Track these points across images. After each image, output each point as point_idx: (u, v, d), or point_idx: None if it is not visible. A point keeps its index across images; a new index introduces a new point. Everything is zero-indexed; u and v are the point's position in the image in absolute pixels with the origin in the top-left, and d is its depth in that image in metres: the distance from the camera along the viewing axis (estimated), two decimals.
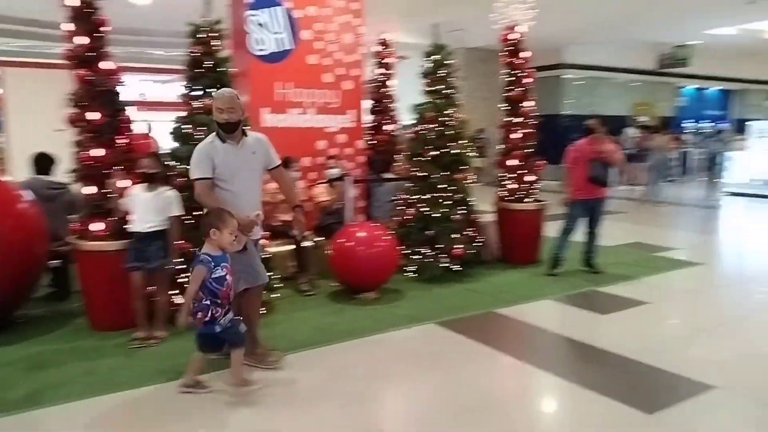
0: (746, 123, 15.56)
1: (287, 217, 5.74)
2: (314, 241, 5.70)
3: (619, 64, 16.32)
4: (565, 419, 3.34)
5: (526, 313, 4.96)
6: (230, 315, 3.37)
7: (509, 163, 6.61)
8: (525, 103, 6.60)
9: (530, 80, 6.62)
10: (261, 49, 6.13)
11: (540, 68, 8.02)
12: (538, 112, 6.75)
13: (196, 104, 4.62)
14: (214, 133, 3.64)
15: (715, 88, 19.99)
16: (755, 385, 3.57)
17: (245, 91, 5.92)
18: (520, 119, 6.61)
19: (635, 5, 10.85)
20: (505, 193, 6.65)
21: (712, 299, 5.54)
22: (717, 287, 6.00)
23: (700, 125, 18.37)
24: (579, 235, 6.13)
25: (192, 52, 4.64)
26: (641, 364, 3.84)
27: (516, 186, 6.58)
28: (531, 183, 6.59)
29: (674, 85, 17.85)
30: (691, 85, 18.90)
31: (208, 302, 3.26)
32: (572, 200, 5.98)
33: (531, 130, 6.63)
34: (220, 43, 4.70)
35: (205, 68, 4.62)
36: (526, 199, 6.56)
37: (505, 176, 6.67)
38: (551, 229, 6.35)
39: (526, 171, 6.57)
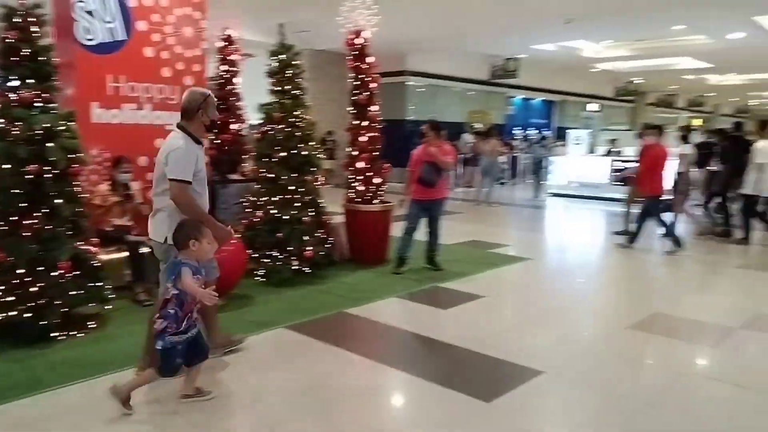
0: (566, 131, 17.38)
1: (121, 221, 5.34)
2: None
3: (457, 74, 17.39)
4: (409, 412, 3.47)
5: (375, 311, 5.09)
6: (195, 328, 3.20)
7: (357, 165, 6.74)
8: (371, 107, 6.77)
9: (376, 85, 6.80)
10: (89, 39, 5.61)
11: (386, 74, 8.27)
12: (383, 117, 6.96)
13: (12, 96, 4.12)
14: (183, 134, 3.48)
15: (539, 98, 22.10)
16: (579, 368, 3.98)
17: (71, 83, 5.39)
18: (367, 123, 6.76)
19: (466, 20, 11.66)
20: (354, 195, 6.77)
21: (539, 291, 6.10)
22: (543, 280, 6.62)
23: (527, 132, 20.18)
24: (422, 234, 6.43)
25: (6, 39, 4.13)
26: (479, 355, 4.11)
27: (364, 188, 6.72)
28: (378, 185, 6.77)
29: (505, 94, 19.44)
30: (519, 95, 20.71)
31: (173, 311, 3.06)
32: (410, 200, 6.28)
33: (377, 134, 6.81)
34: (39, 30, 4.23)
35: (22, 57, 4.14)
36: (373, 201, 6.73)
37: (353, 178, 6.79)
38: (397, 230, 6.59)
39: (373, 173, 6.74)
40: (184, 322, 3.10)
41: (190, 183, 3.39)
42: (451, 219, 9.99)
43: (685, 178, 8.77)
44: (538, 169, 14.26)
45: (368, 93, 6.75)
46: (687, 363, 4.18)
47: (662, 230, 7.78)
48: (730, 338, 4.59)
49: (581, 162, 14.11)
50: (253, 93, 7.20)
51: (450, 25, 12.14)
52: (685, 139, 9.24)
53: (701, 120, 28.99)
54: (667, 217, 7.94)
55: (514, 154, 17.39)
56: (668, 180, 8.12)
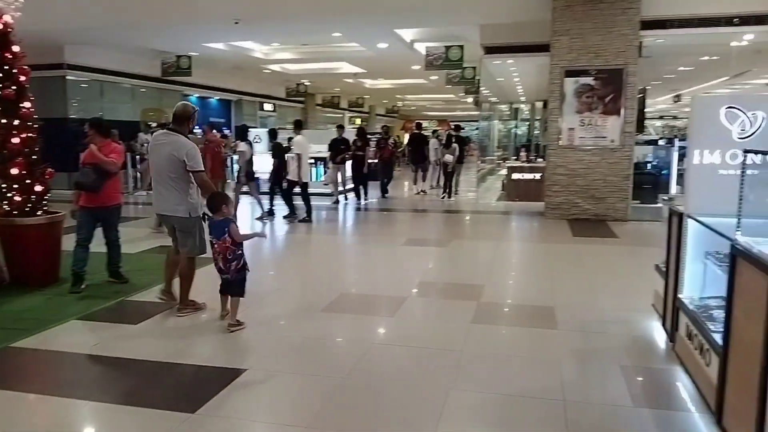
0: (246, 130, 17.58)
1: None
2: None
3: (127, 69, 16.17)
4: None
5: (50, 340, 4.42)
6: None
7: (12, 172, 5.73)
8: (23, 104, 5.82)
9: (25, 78, 5.87)
10: None
11: (39, 67, 7.19)
12: (40, 115, 6.06)
13: None
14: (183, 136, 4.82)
15: (216, 97, 21.97)
16: (281, 358, 4.12)
17: None
18: (19, 122, 5.79)
19: (129, 11, 10.94)
20: (10, 207, 5.75)
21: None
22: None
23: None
24: (100, 245, 5.83)
25: None
26: (178, 365, 3.93)
27: (21, 198, 5.76)
28: (40, 194, 5.88)
29: (180, 92, 18.78)
30: (195, 94, 20.25)
31: (241, 252, 4.69)
32: (79, 209, 5.62)
33: (33, 135, 5.90)
34: None
35: None
36: (36, 213, 5.82)
37: (6, 187, 5.75)
38: (70, 243, 5.82)
39: (32, 181, 5.82)
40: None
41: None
42: (133, 225, 9.28)
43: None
44: None
45: (17, 87, 5.78)
46: (371, 334, 4.70)
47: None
48: (403, 306, 5.33)
49: (260, 160, 14.44)
50: None
51: (111, 15, 11.19)
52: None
53: (361, 119, 32.78)
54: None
55: None
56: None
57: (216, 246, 4.62)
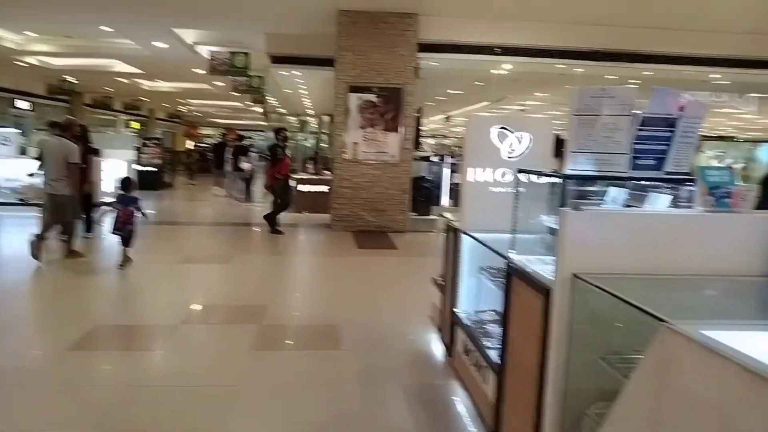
0: None
1: None
2: None
3: None
4: None
5: None
6: None
7: None
8: None
9: None
10: None
11: None
12: None
13: None
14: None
15: None
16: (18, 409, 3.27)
17: None
18: None
19: None
20: None
21: None
22: None
23: None
24: None
25: None
26: None
27: None
28: None
29: None
30: None
31: None
32: None
33: None
34: None
35: None
36: None
37: None
38: None
39: None
40: None
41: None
42: None
43: None
44: None
45: None
46: (129, 374, 4.01)
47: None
48: (174, 336, 4.69)
49: (7, 165, 12.24)
50: None
51: None
52: None
53: (138, 123, 30.14)
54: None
55: None
56: None
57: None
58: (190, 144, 33.37)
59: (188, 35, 12.85)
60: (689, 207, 2.42)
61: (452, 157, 14.52)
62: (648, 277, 2.16)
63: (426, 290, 5.34)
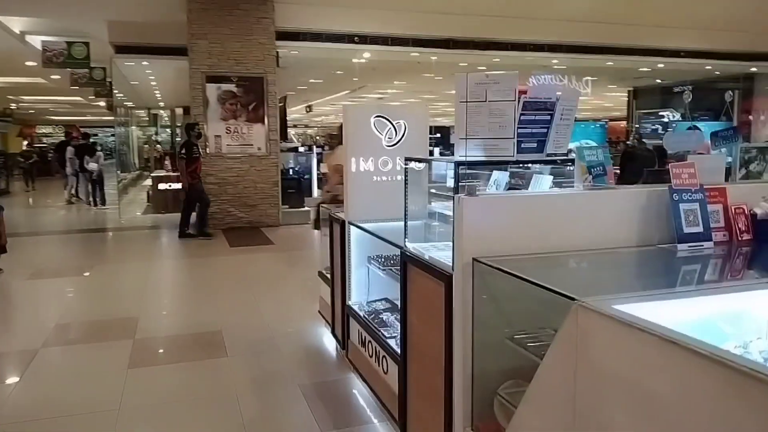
0: None
1: None
2: None
3: None
4: None
5: None
6: None
7: None
8: None
9: None
10: None
11: None
12: None
13: None
14: None
15: None
16: None
17: None
18: None
19: None
20: None
21: None
22: None
23: None
24: None
25: None
26: None
27: None
28: None
29: None
30: None
31: None
32: None
33: None
34: None
35: None
36: None
37: None
38: None
39: None
40: None
41: None
42: None
43: None
44: None
45: None
46: None
47: None
48: (34, 363, 4.17)
49: None
50: None
51: None
52: None
53: None
54: None
55: None
56: None
57: None
58: (25, 145, 29.99)
59: (14, 24, 11.43)
60: (570, 186, 2.56)
61: (319, 147, 14.42)
62: (544, 256, 2.25)
63: (308, 284, 5.25)
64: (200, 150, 9.27)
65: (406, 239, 2.87)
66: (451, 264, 2.34)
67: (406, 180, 2.89)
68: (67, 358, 4.40)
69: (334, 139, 7.57)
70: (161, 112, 25.27)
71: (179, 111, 22.49)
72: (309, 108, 25.05)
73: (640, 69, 14.49)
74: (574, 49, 12.36)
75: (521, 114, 2.39)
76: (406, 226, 2.89)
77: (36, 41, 12.15)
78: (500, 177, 2.79)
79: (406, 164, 2.90)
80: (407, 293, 2.80)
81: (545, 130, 2.48)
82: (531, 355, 2.03)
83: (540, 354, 1.96)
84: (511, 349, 2.19)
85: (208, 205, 9.54)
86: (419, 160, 2.94)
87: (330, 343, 4.44)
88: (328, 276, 4.48)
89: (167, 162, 14.46)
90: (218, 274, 7.03)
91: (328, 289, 4.47)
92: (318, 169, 12.87)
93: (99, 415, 3.37)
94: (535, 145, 2.49)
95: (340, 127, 8.00)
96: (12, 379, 3.93)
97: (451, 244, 2.29)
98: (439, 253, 2.63)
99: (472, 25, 11.36)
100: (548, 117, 2.47)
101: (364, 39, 11.17)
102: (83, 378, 3.98)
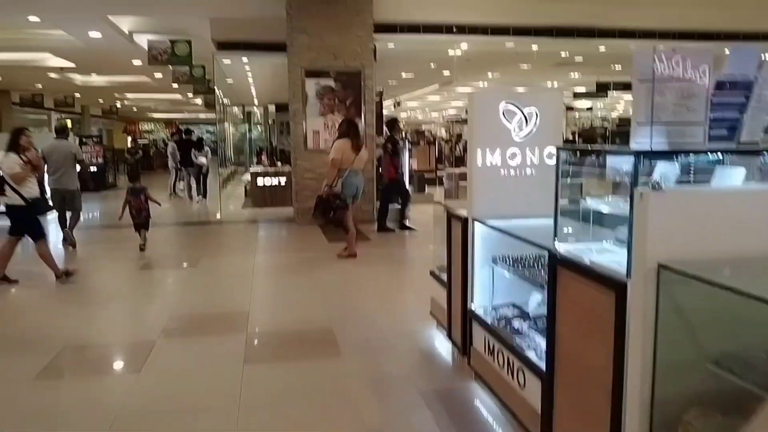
0: None
1: None
2: None
3: None
4: None
5: None
6: None
7: None
8: None
9: None
10: None
11: None
12: None
13: None
14: None
15: None
16: None
17: None
18: None
19: None
20: None
21: None
22: None
23: None
24: None
25: None
26: None
27: None
28: None
29: None
30: None
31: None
32: None
33: None
34: None
35: None
36: None
37: None
38: None
39: None
40: None
41: None
42: None
43: None
44: None
45: None
46: (112, 400, 3.52)
47: None
48: (153, 355, 4.19)
49: None
50: None
51: None
52: None
53: (69, 121, 28.41)
54: None
55: None
56: None
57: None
58: (129, 141, 31.88)
59: (124, 23, 11.97)
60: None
61: (409, 142, 14.23)
62: (745, 263, 1.89)
63: (416, 284, 5.03)
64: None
65: (556, 239, 2.56)
66: (623, 270, 2.03)
67: (558, 172, 2.57)
68: (184, 351, 4.38)
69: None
70: (254, 108, 25.99)
71: (272, 108, 23.02)
72: (398, 103, 24.93)
73: None
74: (686, 35, 11.43)
75: (713, 95, 2.03)
76: (556, 224, 2.58)
77: (142, 40, 12.69)
78: (668, 169, 2.42)
79: (558, 154, 2.58)
80: (557, 301, 2.49)
81: (738, 115, 2.10)
82: (741, 381, 1.69)
83: (753, 381, 1.62)
84: (699, 373, 1.85)
85: (410, 198, 9.67)
86: (583, 152, 2.61)
87: (444, 347, 4.19)
88: (442, 276, 4.23)
89: (264, 158, 14.76)
90: (318, 269, 6.92)
91: (441, 289, 4.23)
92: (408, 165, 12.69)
93: (219, 412, 3.30)
94: (725, 132, 2.11)
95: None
96: (133, 371, 3.95)
97: (609, 246, 1.98)
98: (601, 257, 2.31)
99: (577, 11, 10.73)
100: (743, 99, 2.08)
101: (463, 29, 10.83)
102: (199, 371, 3.94)
